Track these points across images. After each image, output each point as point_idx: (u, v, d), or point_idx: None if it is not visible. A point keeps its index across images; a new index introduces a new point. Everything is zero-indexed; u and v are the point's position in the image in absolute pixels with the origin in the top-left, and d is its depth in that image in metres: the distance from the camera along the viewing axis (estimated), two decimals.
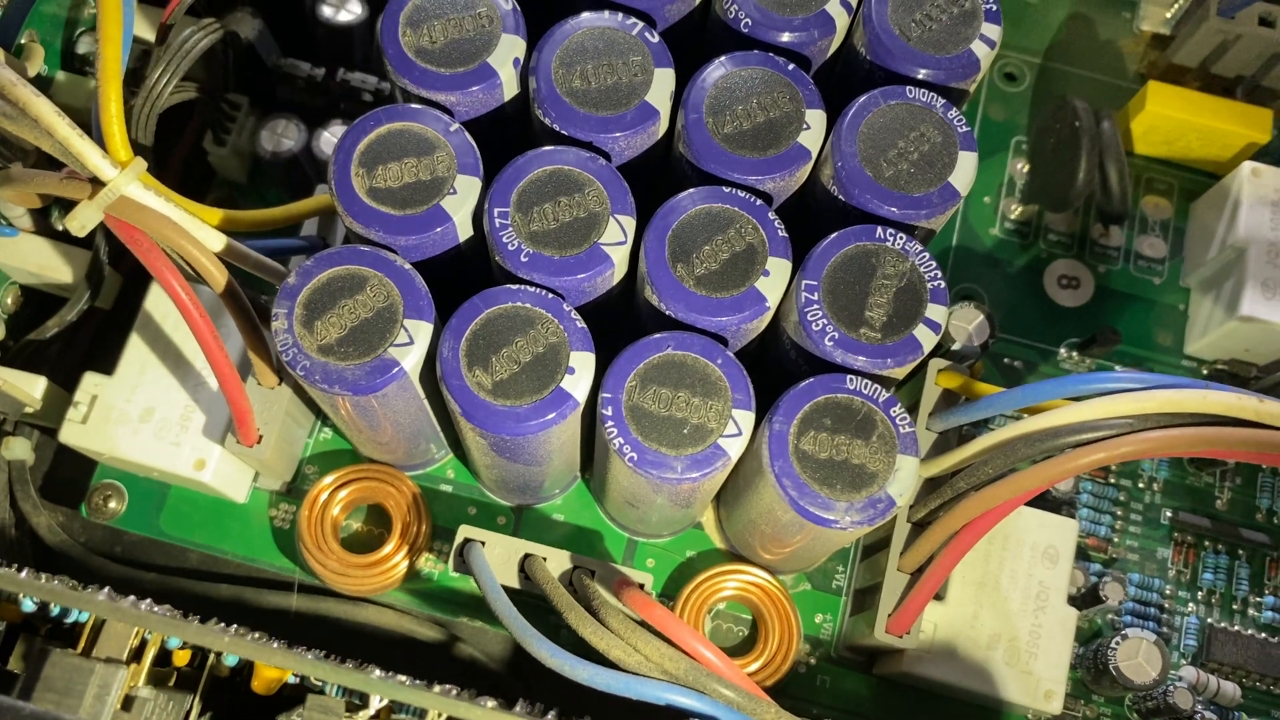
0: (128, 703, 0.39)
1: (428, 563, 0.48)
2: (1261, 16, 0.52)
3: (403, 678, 0.37)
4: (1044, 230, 0.54)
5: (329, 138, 0.49)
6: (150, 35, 0.50)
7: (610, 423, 0.37)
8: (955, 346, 0.47)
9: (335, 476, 0.46)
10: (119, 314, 0.51)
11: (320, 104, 0.51)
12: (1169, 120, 0.53)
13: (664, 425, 0.37)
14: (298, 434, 0.48)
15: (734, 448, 0.37)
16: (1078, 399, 0.38)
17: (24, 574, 0.37)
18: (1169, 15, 0.57)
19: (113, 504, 0.48)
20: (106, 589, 0.38)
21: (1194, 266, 0.53)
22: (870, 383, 0.38)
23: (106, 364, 0.46)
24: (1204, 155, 0.54)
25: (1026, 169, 0.55)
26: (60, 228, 0.49)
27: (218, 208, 0.42)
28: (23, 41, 0.48)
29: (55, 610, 0.38)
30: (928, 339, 0.38)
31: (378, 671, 0.37)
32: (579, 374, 0.37)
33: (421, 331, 0.37)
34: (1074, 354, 0.52)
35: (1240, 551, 0.50)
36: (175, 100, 0.46)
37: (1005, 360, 0.52)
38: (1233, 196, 0.51)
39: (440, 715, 0.39)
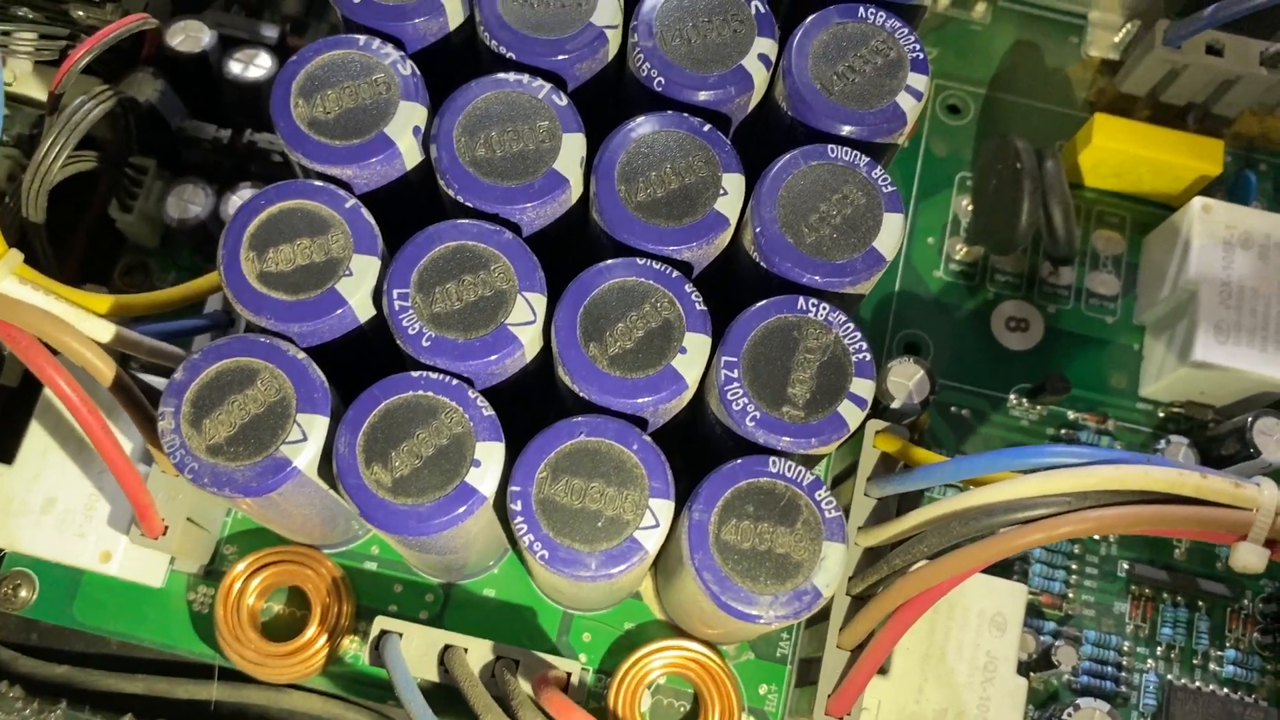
0: None
1: (353, 644, 0.46)
2: (1209, 45, 0.50)
3: None
4: (991, 271, 0.52)
5: (237, 201, 0.47)
6: (43, 95, 0.48)
7: (520, 518, 0.35)
8: (894, 405, 0.45)
9: (249, 562, 0.44)
10: (26, 391, 0.49)
11: (229, 165, 0.48)
12: (1117, 154, 0.51)
13: (577, 519, 0.35)
14: (213, 514, 0.46)
15: (651, 541, 0.35)
16: (1016, 473, 0.37)
17: None
18: (1117, 40, 0.55)
19: (23, 593, 0.46)
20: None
21: (1148, 305, 0.51)
22: (794, 465, 0.36)
23: (10, 446, 0.44)
24: (1155, 188, 0.52)
25: (971, 207, 0.53)
26: None
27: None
28: None
29: None
30: (853, 416, 0.36)
31: None
32: (485, 466, 0.35)
33: (316, 426, 0.35)
34: (1024, 401, 0.50)
35: (1200, 603, 0.48)
36: (69, 173, 0.44)
37: (952, 409, 0.50)
38: (1183, 234, 0.49)
39: None
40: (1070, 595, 0.48)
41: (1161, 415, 0.51)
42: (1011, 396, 0.50)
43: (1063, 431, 0.50)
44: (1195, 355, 0.47)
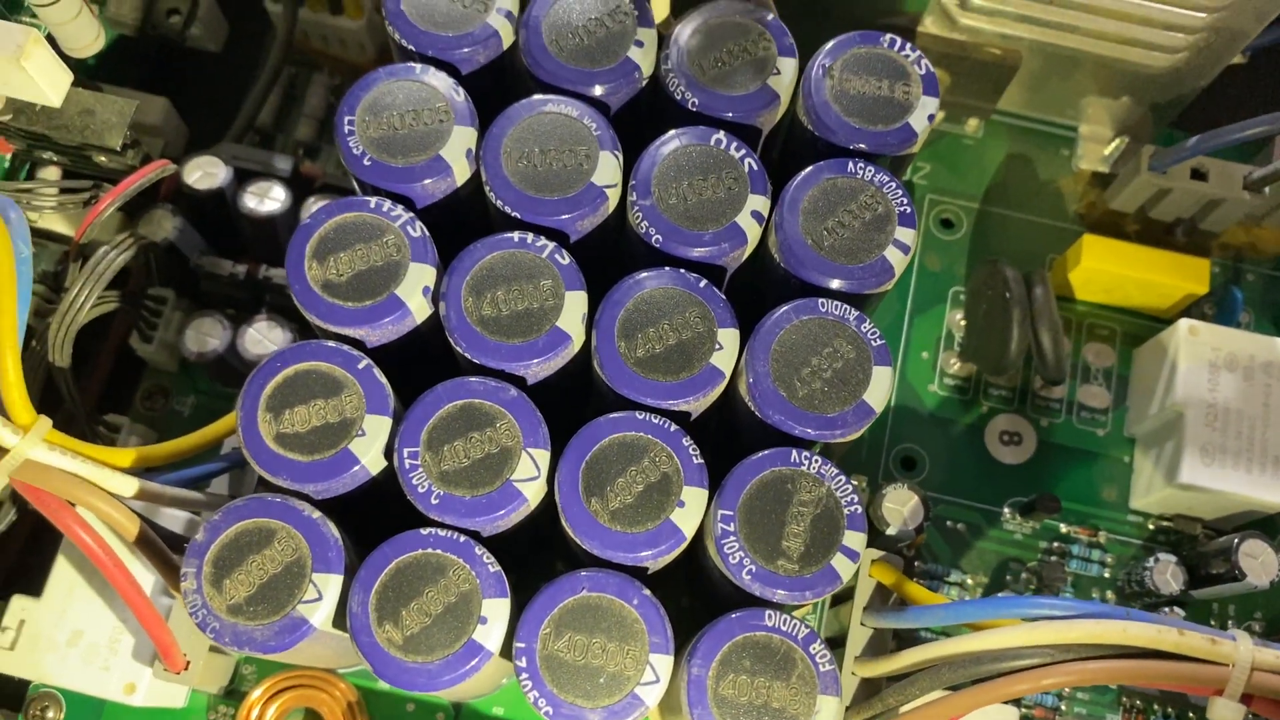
0: None
1: None
2: (1194, 170, 0.51)
3: None
4: (984, 385, 0.54)
5: (254, 335, 0.49)
6: (68, 229, 0.50)
7: (525, 675, 0.36)
8: (890, 532, 0.46)
9: (265, 687, 0.46)
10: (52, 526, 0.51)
11: (245, 297, 0.50)
12: (1105, 274, 0.52)
13: (579, 675, 0.36)
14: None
15: (651, 696, 0.36)
16: (1002, 621, 0.38)
17: None
18: (1106, 153, 0.57)
19: (51, 714, 0.48)
20: None
21: (1138, 418, 0.52)
22: (789, 618, 0.37)
23: (32, 579, 0.46)
24: (1144, 303, 0.54)
25: (964, 323, 0.54)
26: None
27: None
28: None
29: None
30: (846, 569, 0.38)
31: None
32: (491, 623, 0.37)
33: (330, 585, 0.37)
34: (1017, 516, 0.52)
35: (1190, 715, 0.49)
36: (94, 315, 0.46)
37: (948, 523, 0.52)
38: (1170, 356, 0.50)
39: None
40: (1063, 708, 0.49)
41: (1151, 528, 0.52)
42: (1005, 510, 0.52)
43: (1055, 545, 0.51)
44: (1182, 478, 0.48)
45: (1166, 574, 0.49)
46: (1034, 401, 0.54)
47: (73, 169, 0.49)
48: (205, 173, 0.50)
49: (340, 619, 0.38)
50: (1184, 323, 0.50)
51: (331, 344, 0.39)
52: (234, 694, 0.48)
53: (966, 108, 0.57)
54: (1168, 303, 0.53)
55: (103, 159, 0.48)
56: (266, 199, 0.50)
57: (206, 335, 0.49)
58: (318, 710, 0.47)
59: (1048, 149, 0.58)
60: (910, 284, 0.55)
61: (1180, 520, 0.51)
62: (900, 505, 0.47)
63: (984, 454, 0.53)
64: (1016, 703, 0.47)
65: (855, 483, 0.39)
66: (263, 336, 0.49)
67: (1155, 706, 0.50)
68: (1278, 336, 0.50)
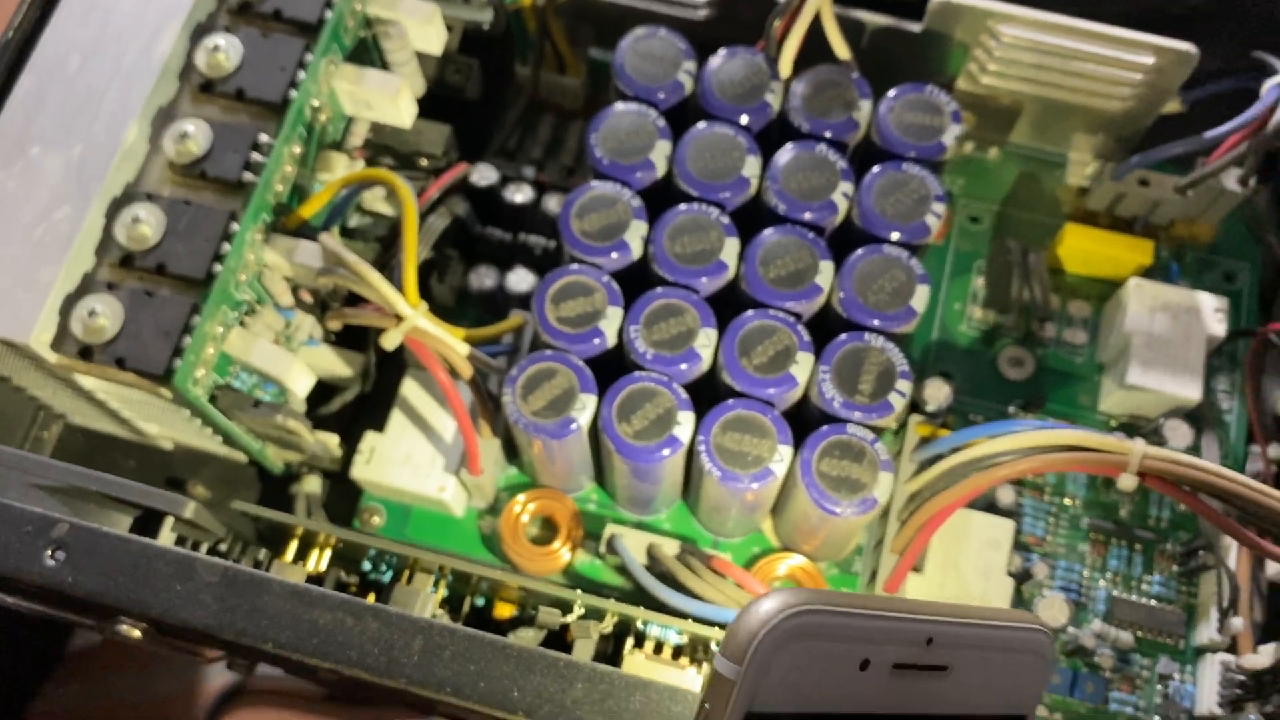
0: None
1: (580, 555, 0.73)
2: (1140, 179, 0.76)
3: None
4: (999, 327, 0.78)
5: (514, 279, 0.75)
6: (388, 211, 0.77)
7: (704, 453, 0.61)
8: (930, 409, 0.71)
9: (521, 499, 0.71)
10: (373, 396, 0.77)
11: (505, 256, 0.77)
12: (1082, 250, 0.77)
13: (736, 456, 0.61)
14: (497, 473, 0.73)
15: (779, 469, 0.61)
16: (992, 438, 0.62)
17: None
18: (1088, 173, 0.81)
19: (375, 519, 0.74)
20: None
21: (1103, 350, 0.76)
22: (863, 429, 0.62)
23: (379, 419, 0.72)
24: (1110, 274, 0.78)
25: (984, 285, 0.79)
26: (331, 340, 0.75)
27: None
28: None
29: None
30: (899, 402, 0.62)
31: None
32: (684, 425, 0.62)
33: (590, 402, 0.62)
34: (1018, 411, 0.76)
35: (1137, 546, 0.72)
36: (425, 256, 0.73)
37: (969, 416, 0.76)
38: (1124, 303, 0.74)
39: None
40: (1048, 538, 0.73)
41: (1113, 424, 0.75)
42: (1010, 408, 0.76)
43: None
44: (1129, 380, 0.72)
45: None
46: (1034, 339, 0.78)
47: (402, 169, 0.77)
48: (482, 175, 0.77)
49: (592, 430, 0.64)
50: (1134, 280, 0.74)
51: (584, 265, 0.66)
52: (494, 510, 0.74)
53: (989, 140, 0.82)
54: (1126, 271, 0.77)
55: (424, 162, 0.75)
56: (519, 193, 0.77)
57: (484, 278, 0.76)
58: (553, 516, 0.72)
59: (1046, 169, 0.82)
60: (947, 259, 0.80)
61: (1133, 418, 0.75)
62: (938, 391, 0.71)
63: (997, 373, 0.77)
64: (1017, 541, 0.71)
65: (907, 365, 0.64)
66: (519, 279, 0.75)
67: (1113, 540, 0.73)
68: (1197, 291, 0.74)
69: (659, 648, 0.59)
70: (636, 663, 0.58)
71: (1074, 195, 0.81)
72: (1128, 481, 0.59)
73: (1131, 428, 0.75)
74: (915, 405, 0.71)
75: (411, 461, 0.70)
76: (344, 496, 0.75)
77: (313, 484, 0.75)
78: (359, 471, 0.71)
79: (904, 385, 0.62)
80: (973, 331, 0.78)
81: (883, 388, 0.62)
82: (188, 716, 1.15)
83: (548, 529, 0.73)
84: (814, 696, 0.35)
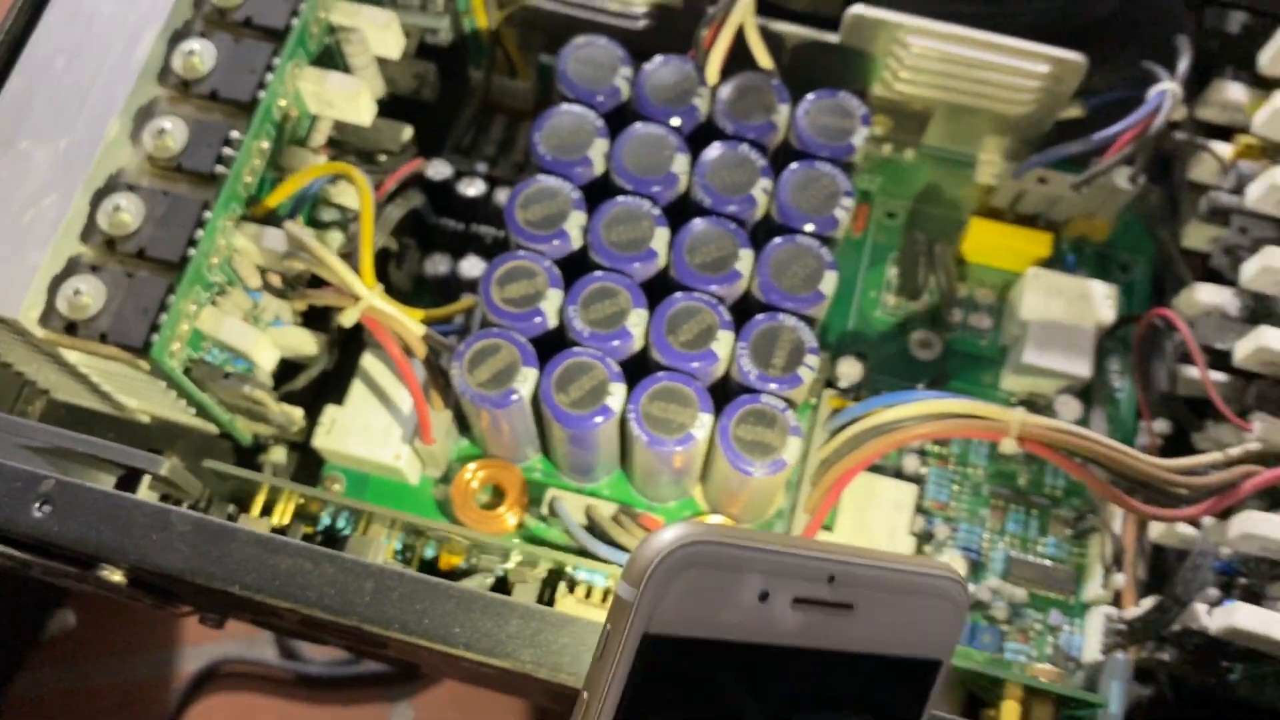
0: None
1: (527, 518, 0.79)
2: (1040, 177, 0.83)
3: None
4: (911, 313, 0.85)
5: (466, 266, 0.82)
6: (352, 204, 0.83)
7: (633, 420, 0.68)
8: (843, 385, 0.78)
9: (472, 467, 0.78)
10: (336, 374, 0.83)
11: (459, 245, 0.83)
12: (986, 243, 0.84)
13: (662, 423, 0.68)
14: (449, 444, 0.80)
15: (701, 434, 0.68)
16: (891, 406, 0.69)
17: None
18: (996, 173, 0.88)
19: (336, 486, 0.80)
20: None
21: (1005, 334, 0.84)
22: (775, 399, 0.69)
23: (340, 394, 0.79)
24: (1012, 264, 0.85)
25: (897, 274, 0.86)
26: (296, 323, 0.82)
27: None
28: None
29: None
30: (807, 375, 0.69)
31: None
32: (615, 396, 0.68)
33: (531, 375, 0.69)
34: (923, 387, 0.83)
35: (1033, 511, 0.80)
36: (381, 244, 0.79)
37: (881, 392, 0.83)
38: (1023, 289, 0.81)
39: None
40: (952, 504, 0.80)
41: (1014, 401, 0.83)
42: (919, 386, 0.83)
43: None
44: (1025, 359, 0.79)
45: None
46: (943, 323, 0.85)
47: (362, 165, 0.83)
48: (437, 169, 0.83)
49: (533, 403, 0.70)
50: (1031, 269, 0.82)
51: (528, 252, 0.72)
52: (447, 479, 0.80)
53: (903, 142, 0.89)
54: (1027, 262, 0.84)
55: (383, 158, 0.81)
56: (470, 187, 0.84)
57: (437, 265, 0.82)
58: (501, 484, 0.78)
59: (957, 169, 0.89)
60: (865, 251, 0.87)
61: (1033, 395, 0.82)
62: (851, 369, 0.78)
63: (908, 354, 0.84)
64: (922, 506, 0.78)
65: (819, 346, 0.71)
66: (471, 266, 0.82)
67: (1012, 506, 0.80)
68: (1090, 279, 0.81)
69: (589, 592, 0.66)
70: (568, 605, 0.65)
71: (982, 193, 0.89)
72: (1008, 445, 0.67)
73: (1031, 404, 0.82)
74: (830, 382, 0.78)
75: (369, 431, 0.77)
76: (307, 466, 0.81)
77: (279, 454, 0.81)
78: (320, 441, 0.77)
79: (812, 360, 0.69)
80: (887, 317, 0.85)
81: (793, 362, 0.69)
82: (163, 699, 1.21)
83: (497, 495, 0.79)
84: (712, 623, 0.37)
